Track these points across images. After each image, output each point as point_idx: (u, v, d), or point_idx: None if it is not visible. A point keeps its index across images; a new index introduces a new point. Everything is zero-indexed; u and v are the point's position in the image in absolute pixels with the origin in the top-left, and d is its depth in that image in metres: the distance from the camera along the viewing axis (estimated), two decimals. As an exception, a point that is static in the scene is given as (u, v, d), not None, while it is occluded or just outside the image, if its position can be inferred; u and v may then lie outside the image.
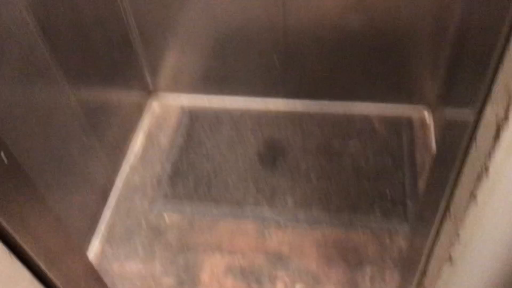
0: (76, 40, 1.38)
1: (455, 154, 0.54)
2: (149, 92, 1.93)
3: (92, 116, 1.48)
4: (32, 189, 0.85)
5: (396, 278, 1.37)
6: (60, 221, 0.98)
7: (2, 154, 0.71)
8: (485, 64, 0.45)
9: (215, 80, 1.86)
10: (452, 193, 0.54)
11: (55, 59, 1.26)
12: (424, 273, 0.71)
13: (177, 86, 1.92)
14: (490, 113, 0.41)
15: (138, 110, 1.87)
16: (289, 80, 1.80)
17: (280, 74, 1.78)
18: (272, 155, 1.71)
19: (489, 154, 0.40)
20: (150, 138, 1.82)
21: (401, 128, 1.74)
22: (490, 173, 0.41)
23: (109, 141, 1.62)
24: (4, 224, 0.77)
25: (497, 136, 0.38)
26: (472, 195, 0.45)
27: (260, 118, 1.83)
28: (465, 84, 0.55)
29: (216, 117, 1.85)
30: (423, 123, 1.75)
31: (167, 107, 1.92)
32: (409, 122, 1.76)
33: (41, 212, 0.89)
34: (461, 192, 0.49)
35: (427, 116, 1.77)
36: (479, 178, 0.43)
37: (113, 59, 1.62)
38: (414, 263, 0.79)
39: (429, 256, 0.68)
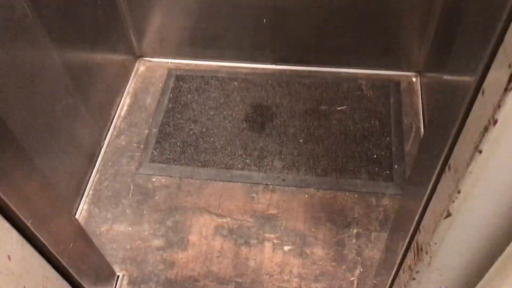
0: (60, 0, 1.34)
1: (456, 111, 0.55)
2: (134, 55, 1.89)
3: (77, 78, 1.45)
4: (18, 148, 0.83)
5: (382, 238, 1.40)
6: (48, 182, 0.96)
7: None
8: (494, 19, 0.45)
9: (202, 43, 1.83)
10: (452, 148, 0.55)
11: (38, 18, 1.21)
12: (417, 230, 0.73)
13: (163, 50, 1.88)
14: (501, 65, 0.41)
15: (124, 73, 1.83)
16: (278, 45, 1.78)
17: (269, 38, 1.76)
18: (260, 119, 1.70)
19: (499, 106, 0.41)
20: (137, 101, 1.79)
21: (389, 92, 1.75)
22: (497, 125, 0.42)
23: (95, 104, 1.59)
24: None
25: (508, 86, 0.38)
26: (477, 149, 0.46)
27: (248, 82, 1.81)
28: (465, 40, 0.55)
29: (204, 81, 1.82)
30: (410, 88, 1.76)
31: (153, 70, 1.89)
32: (396, 87, 1.76)
33: (28, 172, 0.88)
34: (463, 147, 0.50)
35: (415, 80, 1.77)
36: (485, 130, 0.43)
37: (98, 21, 1.57)
38: (404, 223, 0.81)
39: (423, 213, 0.69)
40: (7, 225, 0.84)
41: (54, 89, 1.34)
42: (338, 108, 1.70)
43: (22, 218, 0.86)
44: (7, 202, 0.81)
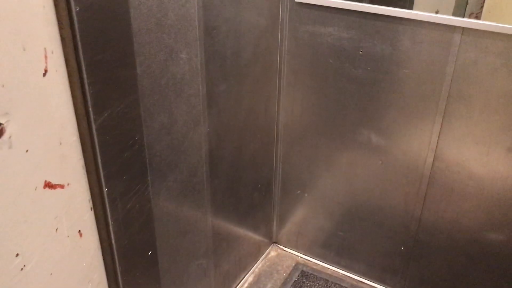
0: (231, 177, 1.56)
1: None
2: (270, 239, 2.02)
3: (218, 242, 1.59)
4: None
5: None
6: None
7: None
8: None
9: (335, 249, 1.89)
10: None
11: (210, 184, 1.42)
12: None
13: (297, 243, 1.98)
14: None
15: (256, 253, 1.94)
16: (410, 274, 1.76)
17: (403, 265, 1.75)
18: None
19: None
20: (258, 282, 1.85)
21: None
22: None
23: (223, 271, 1.69)
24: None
25: None
26: None
27: (369, 301, 1.77)
28: None
29: (326, 285, 1.83)
30: None
31: (283, 259, 1.97)
32: None
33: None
34: None
35: None
36: None
37: (253, 201, 1.77)
38: None
39: None
40: None
41: (197, 246, 1.48)
42: None
43: None
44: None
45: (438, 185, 1.56)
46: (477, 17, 2.61)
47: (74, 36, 0.67)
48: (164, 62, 1.13)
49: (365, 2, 2.04)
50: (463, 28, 1.31)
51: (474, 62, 1.33)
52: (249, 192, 1.72)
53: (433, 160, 1.53)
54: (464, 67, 1.35)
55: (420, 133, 1.51)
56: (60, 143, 0.71)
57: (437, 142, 1.50)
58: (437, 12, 2.30)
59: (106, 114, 0.75)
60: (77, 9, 0.67)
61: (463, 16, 2.50)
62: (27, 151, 0.66)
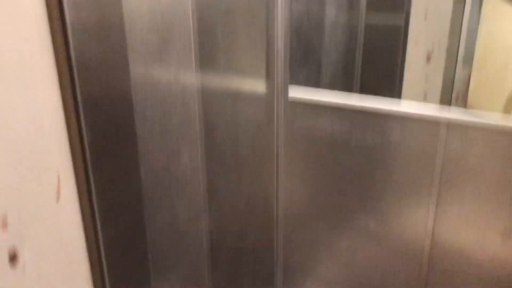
0: (232, 268, 1.57)
1: None
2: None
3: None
4: None
5: None
6: None
7: None
8: None
9: None
10: None
11: (211, 281, 1.44)
12: None
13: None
14: None
15: None
16: None
17: None
18: None
19: None
20: None
21: None
22: None
23: None
24: None
25: None
26: None
27: None
28: None
29: None
30: None
31: None
32: None
33: None
34: None
35: None
36: None
37: (255, 288, 1.76)
38: None
39: None
40: None
41: None
42: None
43: None
44: None
45: (438, 271, 1.57)
46: (464, 98, 2.73)
47: (85, 163, 0.73)
48: (166, 163, 1.18)
49: (354, 91, 2.15)
50: (448, 121, 1.39)
51: (462, 153, 1.40)
52: (251, 282, 1.72)
53: (431, 246, 1.55)
54: (452, 157, 1.41)
55: (416, 219, 1.55)
56: (70, 262, 0.74)
57: (433, 228, 1.53)
58: (425, 96, 2.42)
59: (113, 231, 0.80)
60: (89, 135, 0.73)
61: (450, 96, 2.62)
62: (39, 275, 0.69)
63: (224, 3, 1.31)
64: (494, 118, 1.35)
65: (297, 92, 1.63)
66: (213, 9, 1.27)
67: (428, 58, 2.33)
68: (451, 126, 1.38)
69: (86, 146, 0.73)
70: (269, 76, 1.58)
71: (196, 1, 1.19)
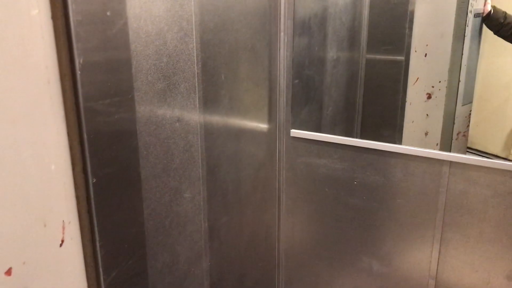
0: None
1: None
2: None
3: None
4: None
5: None
6: None
7: None
8: None
9: None
10: None
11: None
12: None
13: None
14: None
15: None
16: None
17: None
18: None
19: None
20: None
21: None
22: None
23: None
24: None
25: None
26: None
27: None
28: None
29: None
30: None
31: None
32: None
33: None
34: None
35: None
36: None
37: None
38: None
39: None
40: None
41: None
42: None
43: None
44: None
45: (443, 313, 1.54)
46: (465, 135, 2.74)
47: (89, 209, 0.73)
48: (168, 203, 1.18)
49: (356, 130, 2.16)
50: (450, 162, 1.39)
51: (465, 193, 1.39)
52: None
53: (435, 287, 1.53)
54: (455, 198, 1.41)
55: (420, 261, 1.53)
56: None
57: (437, 269, 1.51)
58: (426, 134, 2.43)
59: (114, 274, 0.79)
60: (94, 180, 0.73)
61: (451, 135, 2.63)
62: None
63: (228, 45, 1.33)
64: (495, 159, 1.35)
65: (298, 133, 1.64)
66: (217, 51, 1.29)
67: (429, 96, 2.35)
68: (453, 166, 1.39)
69: (91, 190, 0.73)
70: (271, 114, 1.60)
71: (201, 44, 1.22)
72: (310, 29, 1.71)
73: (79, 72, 0.77)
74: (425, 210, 1.47)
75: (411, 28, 2.14)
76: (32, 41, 0.69)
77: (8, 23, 0.65)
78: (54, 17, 0.73)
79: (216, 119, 1.33)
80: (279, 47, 1.58)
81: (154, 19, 1.04)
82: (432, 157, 1.41)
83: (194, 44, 1.20)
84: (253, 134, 1.52)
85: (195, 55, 1.21)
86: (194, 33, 1.19)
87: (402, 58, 2.20)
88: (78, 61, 0.80)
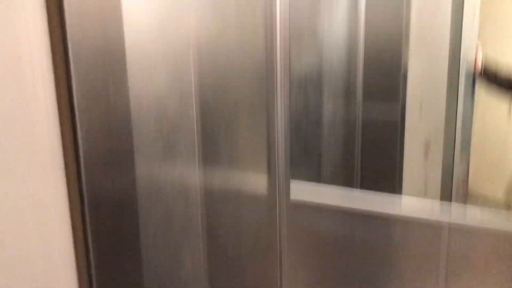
0: None
1: None
2: None
3: None
4: None
5: None
6: None
7: None
8: None
9: None
10: None
11: None
12: None
13: None
14: None
15: None
16: None
17: None
18: None
19: None
20: None
21: None
22: None
23: None
24: None
25: None
26: None
27: None
28: None
29: None
30: None
31: None
32: None
33: None
34: None
35: None
36: None
37: None
38: None
39: None
40: None
41: None
42: None
43: None
44: None
45: None
46: (464, 183, 2.74)
47: (90, 278, 0.72)
48: (168, 265, 1.17)
49: (355, 184, 2.17)
50: (449, 224, 1.38)
51: (466, 257, 1.38)
52: None
53: None
54: (456, 261, 1.39)
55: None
56: None
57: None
58: (425, 184, 2.43)
59: None
60: (95, 258, 0.73)
61: (451, 186, 2.63)
62: None
63: (225, 105, 1.36)
64: (496, 219, 1.35)
65: (299, 188, 1.64)
66: (216, 111, 1.32)
67: (426, 148, 2.37)
68: (453, 228, 1.38)
69: (92, 262, 0.73)
70: (270, 171, 1.60)
71: (200, 104, 1.24)
72: (306, 85, 1.75)
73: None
74: (427, 272, 1.45)
75: (405, 82, 2.20)
76: (36, 115, 0.70)
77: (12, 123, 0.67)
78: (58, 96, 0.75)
79: (216, 178, 1.34)
80: (277, 104, 1.61)
81: (155, 88, 1.07)
82: (431, 219, 1.40)
83: (194, 105, 1.22)
84: (252, 194, 1.53)
85: (194, 116, 1.23)
86: (193, 93, 1.22)
87: (398, 113, 2.24)
88: (79, 127, 0.81)
